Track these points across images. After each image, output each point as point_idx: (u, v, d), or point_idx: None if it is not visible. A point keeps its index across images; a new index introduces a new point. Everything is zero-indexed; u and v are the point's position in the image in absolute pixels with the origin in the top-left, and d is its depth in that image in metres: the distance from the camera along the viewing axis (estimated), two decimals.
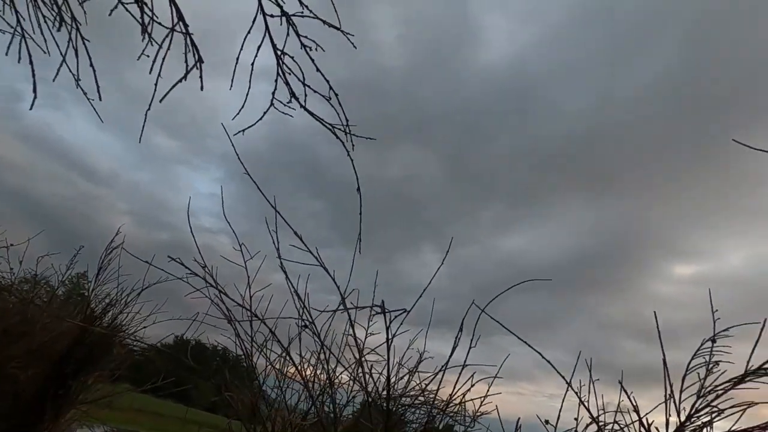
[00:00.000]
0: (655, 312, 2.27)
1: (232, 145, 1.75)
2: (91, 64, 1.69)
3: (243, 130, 1.77)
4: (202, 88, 1.52)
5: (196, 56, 1.47)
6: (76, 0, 1.75)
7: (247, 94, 1.87)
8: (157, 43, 1.44)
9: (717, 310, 2.38)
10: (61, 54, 1.72)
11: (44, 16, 1.69)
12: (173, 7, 1.39)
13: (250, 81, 1.87)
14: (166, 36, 1.41)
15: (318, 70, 1.72)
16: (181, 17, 1.39)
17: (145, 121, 1.76)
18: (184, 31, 1.42)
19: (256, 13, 1.80)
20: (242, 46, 1.80)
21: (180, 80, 1.46)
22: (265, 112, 1.79)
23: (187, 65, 1.47)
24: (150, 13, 1.43)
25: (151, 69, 1.42)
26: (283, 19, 1.74)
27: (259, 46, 1.83)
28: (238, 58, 1.80)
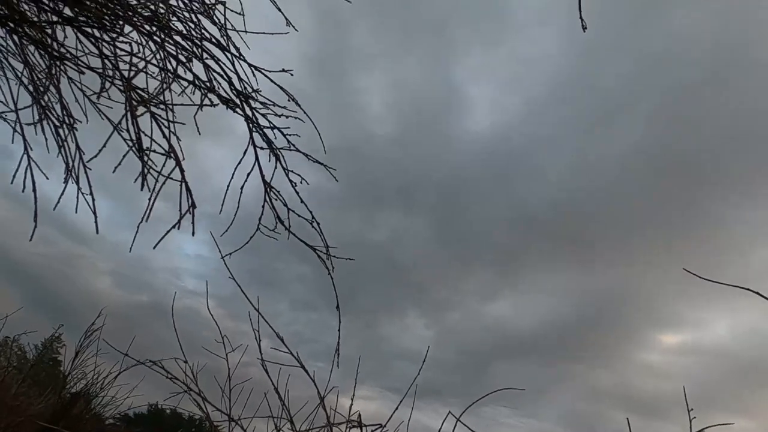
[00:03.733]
0: (627, 419, 2.33)
1: (229, 272, 1.87)
2: (91, 192, 1.83)
3: (230, 254, 1.89)
4: (193, 234, 1.66)
5: (190, 201, 1.61)
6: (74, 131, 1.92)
7: (234, 216, 2.02)
8: (150, 189, 1.58)
9: (692, 409, 2.40)
10: (63, 183, 1.85)
11: (48, 148, 1.85)
12: (172, 157, 1.54)
13: (238, 204, 2.02)
14: (162, 183, 1.56)
15: (302, 201, 1.88)
16: (180, 168, 1.55)
17: (135, 235, 1.88)
18: (180, 179, 1.57)
19: (248, 145, 1.99)
20: (233, 175, 1.97)
21: (174, 226, 1.59)
22: (251, 237, 1.92)
23: (180, 210, 1.61)
24: (150, 164, 1.59)
25: (146, 217, 1.55)
26: (271, 155, 1.92)
27: (249, 173, 2.01)
28: (228, 185, 1.96)
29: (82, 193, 1.76)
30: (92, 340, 4.14)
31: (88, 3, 1.89)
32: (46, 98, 1.87)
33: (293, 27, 2.08)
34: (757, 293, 2.11)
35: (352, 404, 2.60)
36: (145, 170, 1.59)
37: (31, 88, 1.90)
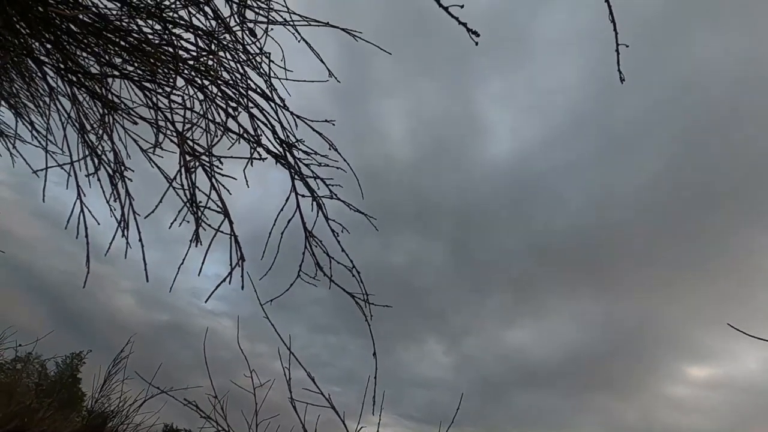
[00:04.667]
0: None
1: (269, 322, 1.90)
2: (140, 239, 1.89)
3: (270, 301, 1.93)
4: (243, 287, 1.70)
5: (239, 254, 1.66)
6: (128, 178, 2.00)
7: (273, 262, 2.07)
8: (202, 243, 1.64)
9: None
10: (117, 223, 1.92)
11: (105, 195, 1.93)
12: (223, 212, 1.60)
13: (278, 249, 2.07)
14: (213, 237, 1.61)
15: (343, 250, 1.92)
16: (229, 220, 1.60)
17: (174, 280, 1.94)
18: (230, 232, 1.62)
19: (289, 194, 2.04)
20: (275, 222, 2.02)
21: (224, 279, 1.64)
22: (292, 284, 1.96)
23: (231, 262, 1.66)
24: (203, 220, 1.65)
25: (200, 271, 1.60)
26: (314, 203, 1.97)
27: (290, 220, 2.06)
28: (270, 232, 2.01)
29: (129, 245, 1.82)
30: (119, 368, 4.20)
31: (142, 56, 1.99)
32: (100, 148, 1.96)
33: (335, 78, 2.15)
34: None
35: None
36: (199, 225, 1.65)
37: (87, 137, 1.99)
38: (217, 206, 1.60)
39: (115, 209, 2.03)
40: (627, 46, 1.40)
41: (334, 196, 1.97)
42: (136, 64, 1.99)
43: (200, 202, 1.66)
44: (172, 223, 1.61)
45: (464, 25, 1.33)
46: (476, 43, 1.27)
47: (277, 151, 1.83)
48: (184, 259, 1.84)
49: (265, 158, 1.81)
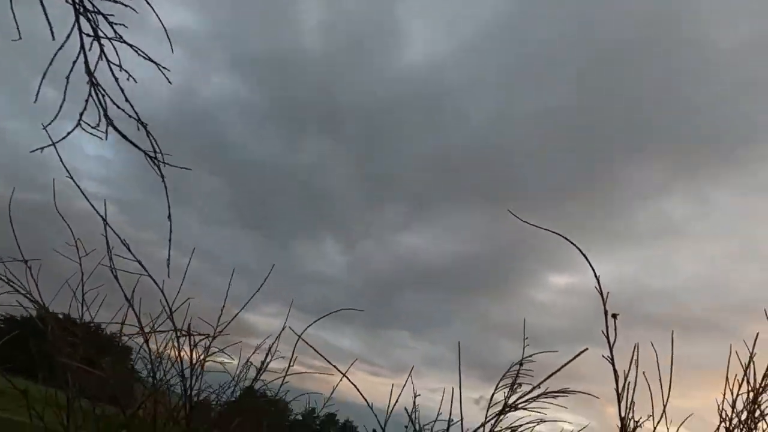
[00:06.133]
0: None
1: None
2: None
3: (41, 148, 1.75)
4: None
5: None
6: None
7: (60, 108, 1.86)
8: None
9: (527, 338, 2.58)
10: None
11: None
12: None
13: (64, 96, 1.85)
14: None
15: (127, 100, 1.76)
16: None
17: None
18: None
19: (71, 29, 1.79)
20: (52, 60, 1.78)
21: None
22: (69, 132, 1.79)
23: None
24: None
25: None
26: (95, 42, 1.75)
27: (74, 61, 1.82)
28: (46, 72, 1.78)
29: None
30: None
31: None
32: None
33: None
34: (572, 243, 2.36)
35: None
36: None
37: None
38: None
39: None
40: None
41: (120, 38, 1.76)
42: None
43: None
44: None
45: None
46: None
47: None
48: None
49: None
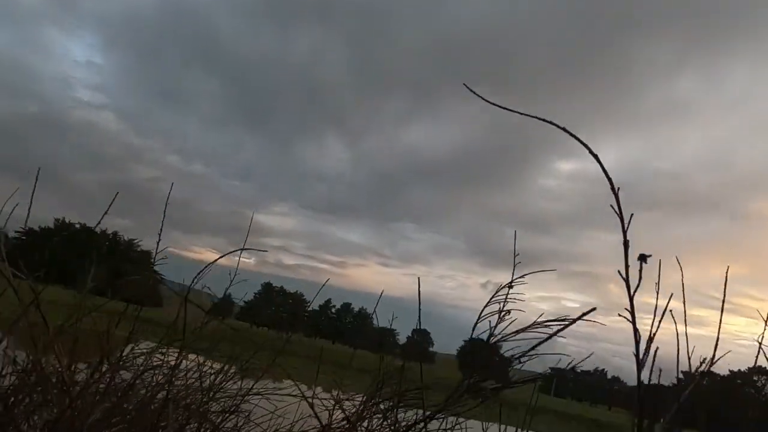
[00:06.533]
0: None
1: None
2: None
3: None
4: None
5: None
6: None
7: None
8: None
9: (518, 254, 1.90)
10: None
11: None
12: None
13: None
14: None
15: None
16: None
17: None
18: None
19: None
20: None
21: None
22: None
23: None
24: None
25: None
26: None
27: None
28: None
29: None
30: None
31: None
32: None
33: None
34: (572, 134, 2.30)
35: None
36: None
37: None
38: None
39: None
40: None
41: None
42: None
43: None
44: None
45: None
46: None
47: None
48: None
49: None
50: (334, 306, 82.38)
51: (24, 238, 46.00)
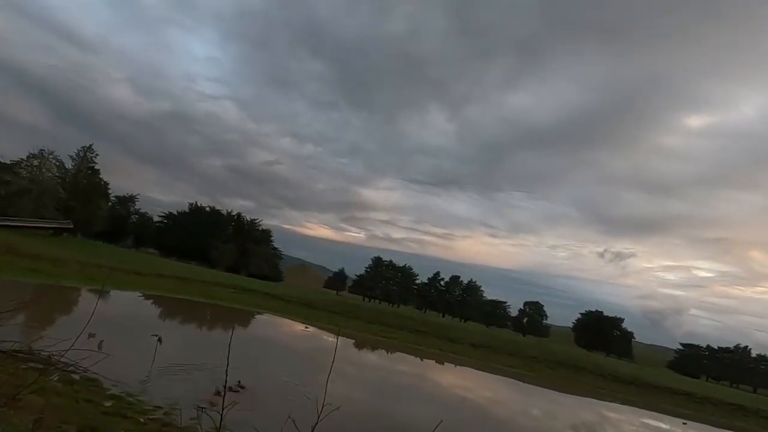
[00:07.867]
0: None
1: None
2: None
3: None
4: None
5: None
6: None
7: None
8: None
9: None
10: None
11: None
12: None
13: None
14: None
15: None
16: None
17: None
18: None
19: None
20: None
21: None
22: None
23: None
24: None
25: None
26: None
27: None
28: None
29: None
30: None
31: None
32: None
33: None
34: None
35: None
36: None
37: None
38: None
39: None
40: None
41: None
42: None
43: None
44: None
45: None
46: None
47: None
48: None
49: None
50: (442, 279, 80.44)
51: (165, 222, 53.49)
